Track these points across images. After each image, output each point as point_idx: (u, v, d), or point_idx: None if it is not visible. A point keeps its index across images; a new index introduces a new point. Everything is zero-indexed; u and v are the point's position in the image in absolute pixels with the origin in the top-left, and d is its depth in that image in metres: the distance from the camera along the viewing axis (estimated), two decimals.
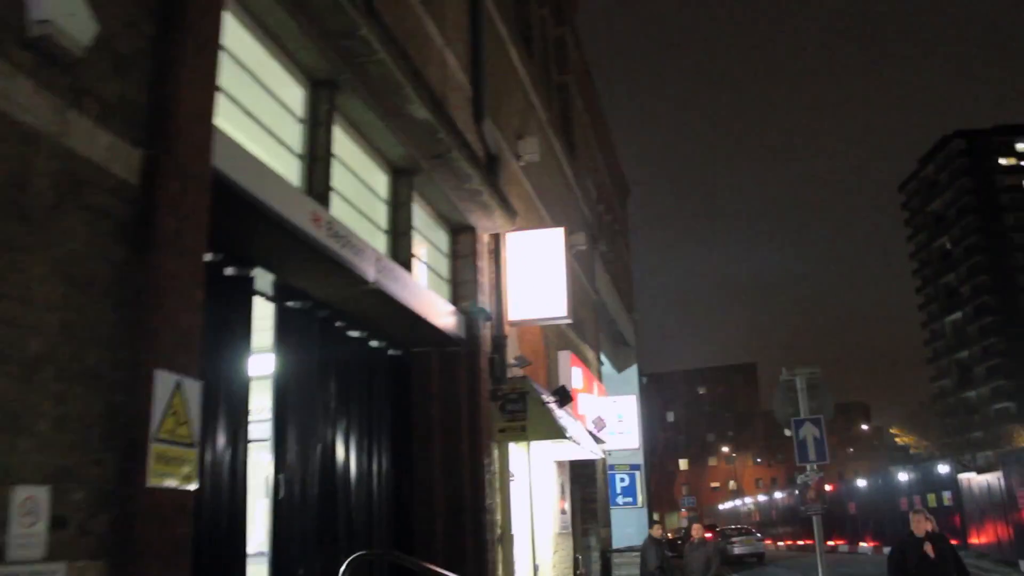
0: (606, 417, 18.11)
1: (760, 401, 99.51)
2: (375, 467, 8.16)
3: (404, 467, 8.72)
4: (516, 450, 12.34)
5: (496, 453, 9.76)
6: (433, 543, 8.73)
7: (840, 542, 42.80)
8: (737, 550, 39.22)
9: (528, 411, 9.71)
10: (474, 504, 8.81)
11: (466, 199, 9.10)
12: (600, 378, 18.84)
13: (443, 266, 9.52)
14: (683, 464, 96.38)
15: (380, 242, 7.95)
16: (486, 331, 9.59)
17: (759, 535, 43.78)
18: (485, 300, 9.71)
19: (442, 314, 8.82)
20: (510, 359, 11.12)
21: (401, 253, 8.01)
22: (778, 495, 65.62)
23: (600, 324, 22.29)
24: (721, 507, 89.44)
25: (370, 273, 6.94)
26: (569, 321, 10.60)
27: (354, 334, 8.10)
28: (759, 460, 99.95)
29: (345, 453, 7.57)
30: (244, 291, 6.22)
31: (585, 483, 16.58)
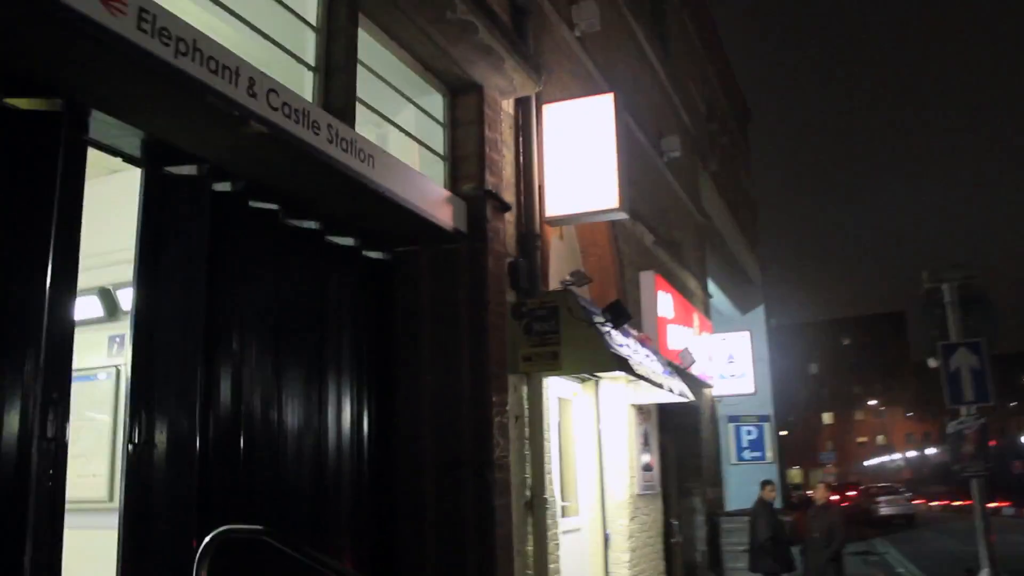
0: (715, 356, 15.33)
1: (910, 351, 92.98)
2: (335, 412, 5.84)
3: (384, 411, 6.38)
4: (581, 393, 9.82)
5: (524, 389, 7.27)
6: (423, 511, 6.37)
7: (1004, 504, 38.34)
8: (883, 510, 35.49)
9: (564, 332, 7.16)
10: (477, 457, 6.37)
11: (462, 44, 6.57)
12: (707, 313, 16.00)
13: (437, 137, 7.03)
14: (827, 418, 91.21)
15: (305, 84, 5.52)
16: (501, 224, 7.06)
17: (908, 494, 39.76)
18: (499, 184, 7.17)
19: (430, 198, 6.36)
20: (558, 273, 8.59)
21: (336, 98, 5.55)
22: (931, 451, 60.61)
23: (713, 255, 19.36)
24: (868, 463, 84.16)
25: (253, 107, 4.53)
26: (624, 216, 7.93)
27: (298, 224, 5.77)
28: (910, 414, 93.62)
29: (275, 394, 5.28)
30: (51, 138, 3.96)
31: (685, 434, 13.88)
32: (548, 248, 8.19)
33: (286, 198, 5.57)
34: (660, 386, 8.86)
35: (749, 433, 26.26)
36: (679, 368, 11.04)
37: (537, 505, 7.07)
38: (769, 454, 25.99)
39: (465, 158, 7.02)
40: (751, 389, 15.61)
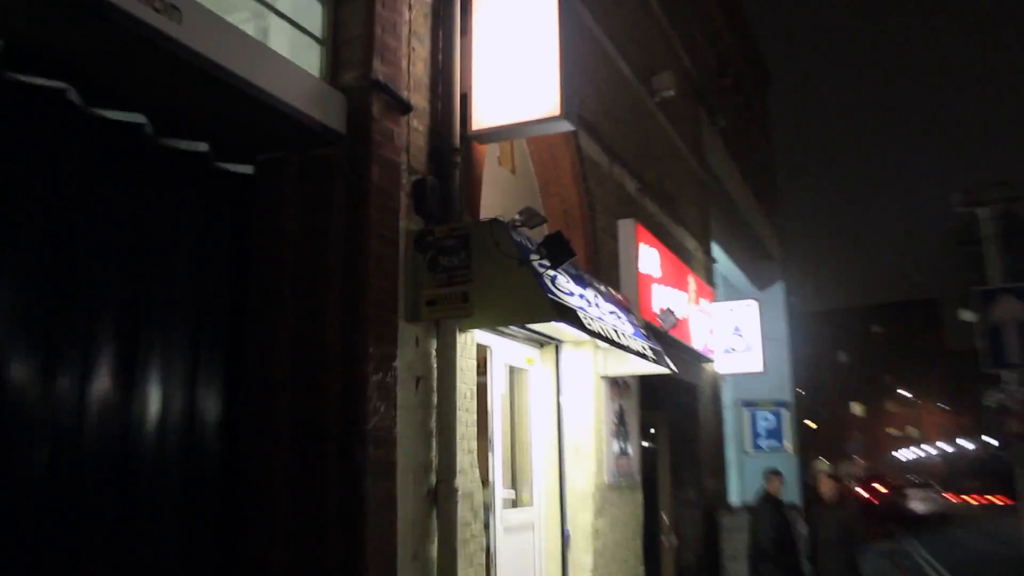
0: (719, 327, 13.57)
1: (944, 340, 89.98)
2: (158, 384, 4.28)
3: (232, 376, 4.79)
4: (540, 361, 8.18)
5: (432, 344, 5.61)
6: (274, 502, 4.75)
7: None
8: (914, 507, 33.41)
9: (489, 273, 5.49)
10: (345, 429, 4.73)
11: None
12: (710, 279, 14.23)
13: (314, 17, 5.37)
14: (856, 409, 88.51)
15: None
16: (396, 128, 5.39)
17: (940, 490, 37.63)
18: (396, 76, 5.49)
19: (294, 87, 4.74)
20: (505, 210, 6.94)
21: None
22: (966, 444, 58.23)
23: (722, 219, 17.60)
24: (899, 455, 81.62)
25: None
26: (568, 126, 6.20)
27: (106, 116, 4.23)
28: (944, 405, 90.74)
29: (54, 364, 3.72)
30: None
31: (680, 415, 12.17)
32: (478, 170, 6.52)
33: (82, 73, 4.02)
34: (628, 349, 7.16)
35: (766, 420, 24.50)
36: (661, 332, 9.33)
37: (444, 495, 5.41)
38: (788, 443, 24.29)
39: (349, 42, 5.35)
40: (759, 367, 13.80)
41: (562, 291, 6.23)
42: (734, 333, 13.85)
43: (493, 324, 5.98)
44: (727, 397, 23.38)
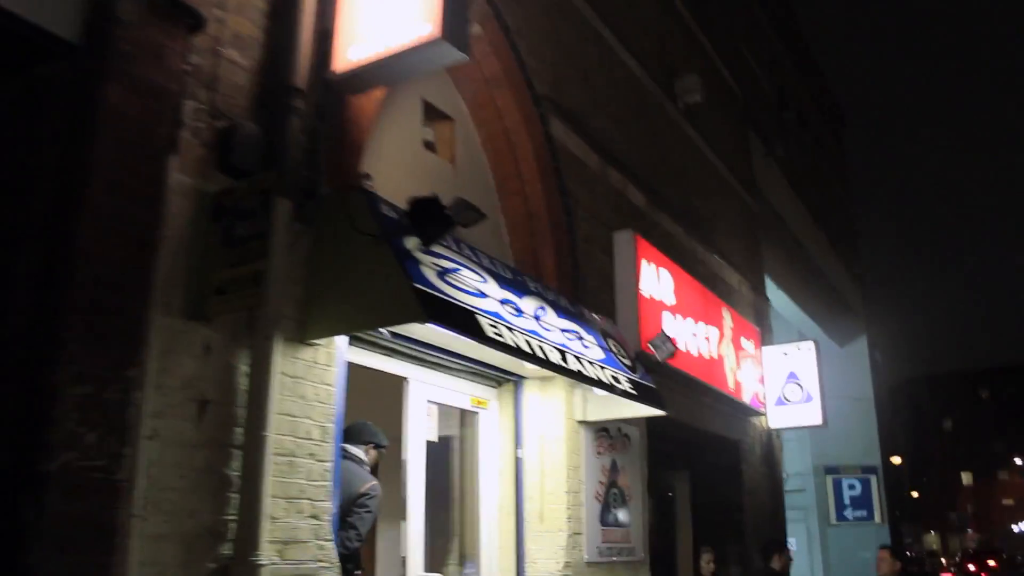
0: (772, 375, 11.46)
1: None
2: None
3: None
4: (495, 403, 6.41)
5: (238, 353, 3.86)
6: None
7: None
8: None
9: (336, 256, 3.79)
10: (20, 464, 2.99)
11: None
12: (762, 322, 12.13)
13: None
14: (966, 478, 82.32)
15: None
16: (171, 45, 3.73)
17: None
18: None
19: None
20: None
21: None
22: None
23: (784, 259, 15.56)
24: (1017, 528, 75.14)
25: None
26: (456, 54, 4.37)
27: None
28: None
29: None
30: None
31: (716, 477, 10.02)
32: (358, 133, 4.82)
33: None
34: (576, 375, 5.27)
35: (852, 487, 21.97)
36: (667, 370, 7.33)
37: (246, 571, 3.59)
38: (878, 512, 21.63)
39: None
40: (817, 419, 11.50)
41: (460, 287, 4.44)
42: (789, 381, 11.66)
43: (344, 328, 4.20)
44: (804, 463, 20.95)
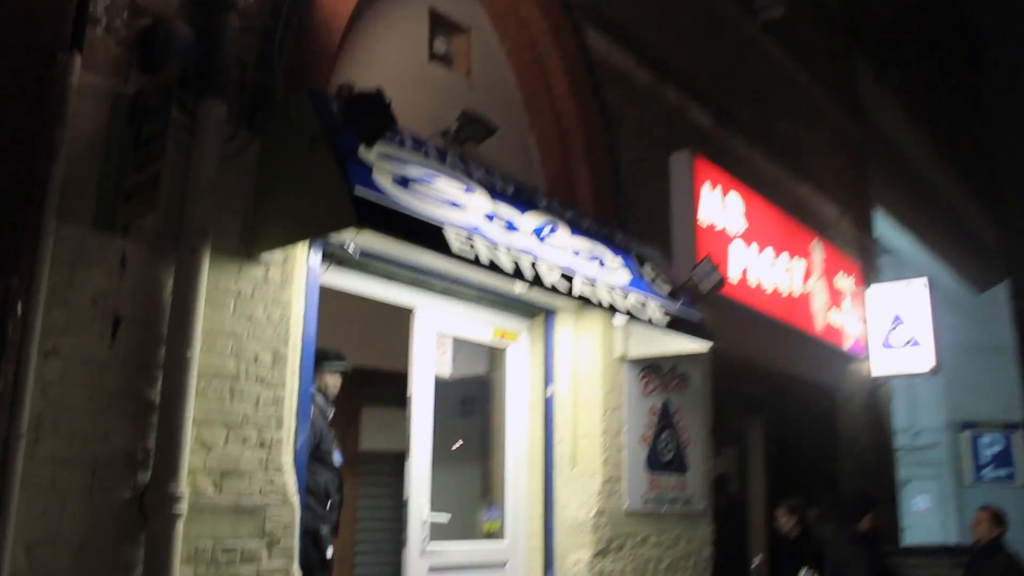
0: (874, 316, 10.53)
1: None
2: None
3: None
4: (526, 338, 5.98)
5: (163, 268, 3.54)
6: None
7: None
8: None
9: (280, 162, 3.44)
10: None
11: None
12: (871, 261, 11.14)
13: None
14: None
15: None
16: None
17: None
18: None
19: None
20: (435, 119, 4.86)
21: None
22: None
23: (909, 200, 14.36)
24: None
25: None
26: None
27: None
28: None
29: None
30: None
31: (807, 426, 9.25)
32: (326, 35, 4.41)
33: None
34: (576, 296, 4.74)
35: (990, 445, 20.40)
36: (696, 290, 6.55)
37: (156, 507, 3.29)
38: (1021, 474, 20.04)
39: None
40: (928, 365, 10.47)
41: (427, 196, 3.99)
42: (895, 323, 10.67)
43: (281, 241, 3.79)
44: (937, 417, 19.57)
